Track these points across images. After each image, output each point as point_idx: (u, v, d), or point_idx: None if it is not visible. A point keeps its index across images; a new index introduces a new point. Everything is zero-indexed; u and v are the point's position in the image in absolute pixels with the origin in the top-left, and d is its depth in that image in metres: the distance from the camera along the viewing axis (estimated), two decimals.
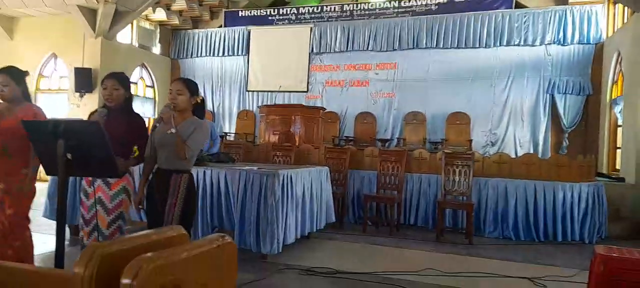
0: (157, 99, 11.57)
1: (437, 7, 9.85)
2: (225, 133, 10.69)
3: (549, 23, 9.01)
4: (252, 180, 4.25)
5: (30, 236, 3.04)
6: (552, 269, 4.26)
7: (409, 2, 10.10)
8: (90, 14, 9.35)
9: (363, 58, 10.22)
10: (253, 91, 11.23)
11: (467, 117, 9.32)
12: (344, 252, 4.83)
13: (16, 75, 2.98)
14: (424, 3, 9.98)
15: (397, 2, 10.22)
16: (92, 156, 2.17)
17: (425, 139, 9.34)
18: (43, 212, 5.05)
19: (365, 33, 10.13)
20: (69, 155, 2.08)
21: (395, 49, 9.92)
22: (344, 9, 10.66)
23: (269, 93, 10.98)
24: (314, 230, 5.03)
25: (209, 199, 4.43)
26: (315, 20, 10.73)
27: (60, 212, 2.14)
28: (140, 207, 2.88)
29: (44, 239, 3.83)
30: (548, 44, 9.06)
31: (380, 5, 10.45)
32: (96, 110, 2.76)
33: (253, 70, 11.23)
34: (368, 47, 10.11)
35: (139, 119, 2.86)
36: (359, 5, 10.66)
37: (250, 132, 10.59)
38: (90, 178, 2.71)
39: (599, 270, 2.28)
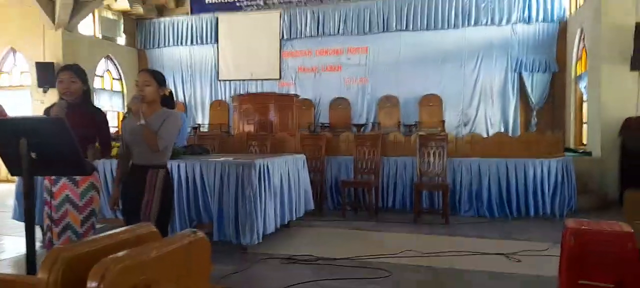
0: (125, 91, 11.23)
1: None
2: (198, 124, 10.50)
3: (515, 2, 9.17)
4: (229, 171, 4.19)
5: None
6: (526, 244, 4.39)
7: None
8: (48, 4, 8.94)
9: (334, 43, 10.18)
10: (225, 80, 11.05)
11: (439, 99, 9.45)
12: (324, 238, 4.84)
13: None
14: None
15: None
16: (58, 154, 2.07)
17: (399, 122, 9.43)
18: (12, 214, 4.88)
19: (335, 17, 10.07)
20: (33, 155, 1.98)
21: (366, 33, 9.92)
22: None
23: (242, 82, 10.83)
24: (294, 218, 5.01)
25: (185, 193, 4.35)
26: (284, 5, 10.58)
27: (28, 213, 2.04)
28: (115, 207, 2.80)
29: (14, 242, 3.68)
30: (514, 23, 9.24)
31: None
32: (54, 104, 2.62)
33: (223, 59, 11.02)
34: (339, 31, 10.07)
35: (99, 112, 2.76)
36: None
37: (224, 123, 10.44)
38: (52, 177, 2.60)
39: (570, 243, 2.37)
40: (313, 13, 10.21)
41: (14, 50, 9.85)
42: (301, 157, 5.41)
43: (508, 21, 9.25)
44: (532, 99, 9.22)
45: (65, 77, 2.66)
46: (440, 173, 5.76)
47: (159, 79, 2.74)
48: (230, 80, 10.99)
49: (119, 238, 0.71)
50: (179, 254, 0.71)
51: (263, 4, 10.78)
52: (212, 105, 10.98)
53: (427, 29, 9.59)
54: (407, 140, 6.32)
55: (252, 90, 10.47)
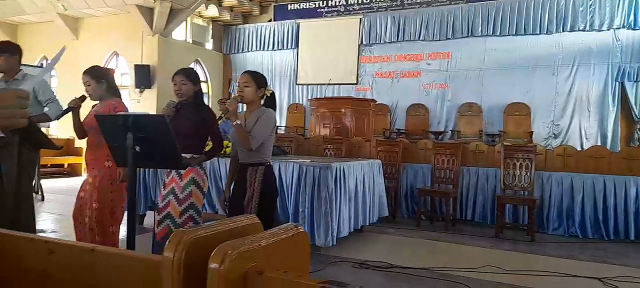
0: (210, 93, 11.91)
1: None
2: (276, 126, 10.82)
3: (618, 6, 8.35)
4: (306, 173, 4.25)
5: (114, 232, 3.16)
6: (623, 269, 3.96)
7: None
8: (147, 12, 9.75)
9: (414, 48, 9.97)
10: (303, 84, 11.28)
11: (526, 108, 8.86)
12: (397, 246, 4.74)
13: (95, 74, 3.15)
14: None
15: None
16: (158, 148, 2.24)
17: (481, 131, 8.98)
18: None
19: (416, 22, 9.86)
20: (137, 148, 2.16)
21: (449, 38, 9.58)
22: None
23: (319, 86, 10.99)
24: (367, 223, 4.97)
25: None
26: (364, 10, 10.58)
27: (131, 201, 2.23)
28: (225, 203, 2.94)
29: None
30: (617, 28, 8.40)
31: None
32: (168, 105, 2.85)
33: (302, 64, 11.27)
34: (419, 36, 9.85)
35: (208, 112, 2.92)
36: None
37: (300, 125, 10.66)
38: (167, 170, 2.81)
39: None
40: (394, 18, 10.09)
41: (116, 54, 10.89)
42: (377, 163, 5.36)
43: (610, 26, 8.43)
44: (636, 111, 8.32)
45: (178, 79, 2.88)
46: (527, 187, 5.39)
47: (259, 80, 2.83)
48: (307, 85, 11.21)
49: (228, 227, 0.77)
50: (284, 246, 0.75)
51: (343, 9, 10.88)
52: (289, 108, 11.27)
53: (516, 34, 9.04)
54: (490, 150, 6.00)
55: (329, 94, 10.58)
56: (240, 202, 2.74)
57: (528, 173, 5.39)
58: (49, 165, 9.58)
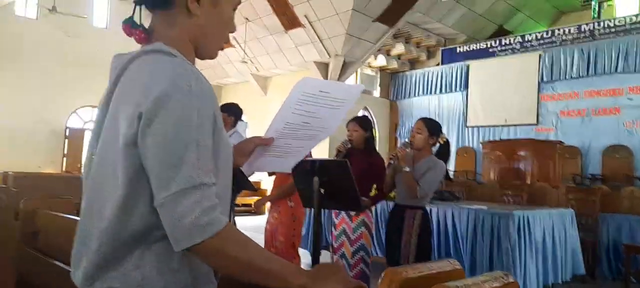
0: (377, 138, 12.25)
1: None
2: (446, 171, 10.47)
3: None
4: (483, 220, 3.97)
5: (297, 264, 3.48)
6: None
7: None
8: (323, 67, 10.71)
9: (610, 82, 8.64)
10: (473, 127, 10.76)
11: None
12: None
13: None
14: None
15: None
16: (340, 191, 2.40)
17: None
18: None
19: (611, 53, 8.58)
20: (322, 190, 2.34)
21: None
22: (582, 30, 9.31)
23: (492, 128, 10.33)
24: (559, 281, 4.33)
25: (436, 237, 4.32)
26: (544, 46, 9.69)
27: (315, 241, 2.40)
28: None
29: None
30: None
31: (631, 19, 8.74)
32: (343, 142, 3.05)
33: (472, 105, 10.79)
34: (616, 69, 8.51)
35: (378, 158, 3.03)
36: (601, 22, 9.17)
37: (470, 170, 10.11)
38: (335, 211, 2.99)
39: None
40: (582, 51, 8.97)
41: None
42: (569, 212, 4.69)
43: None
44: None
45: (351, 126, 3.11)
46: None
47: (432, 128, 2.84)
48: (478, 126, 10.63)
49: (434, 271, 0.77)
50: None
51: (520, 47, 10.16)
52: (458, 151, 10.82)
53: None
54: None
55: (504, 136, 9.83)
56: (397, 241, 2.71)
57: None
58: (240, 204, 10.99)
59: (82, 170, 0.95)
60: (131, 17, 0.92)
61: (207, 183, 0.79)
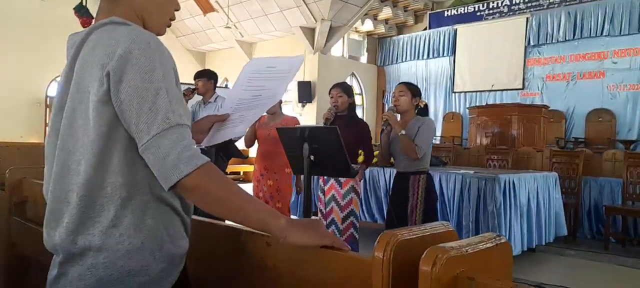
0: (364, 105, 12.24)
1: None
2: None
3: None
4: (469, 185, 4.03)
5: None
6: None
7: None
8: (309, 32, 10.53)
9: (595, 45, 8.69)
10: (460, 92, 10.79)
11: None
12: (579, 271, 4.15)
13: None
14: None
15: None
16: (330, 158, 2.39)
17: None
18: None
19: (597, 16, 8.59)
20: (312, 157, 2.33)
21: None
22: None
23: (478, 93, 10.37)
24: (542, 243, 4.46)
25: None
26: (532, 9, 9.65)
27: (306, 206, 2.41)
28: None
29: None
30: None
31: None
32: (329, 109, 3.04)
33: (459, 71, 10.80)
34: (602, 32, 8.55)
35: (362, 123, 3.04)
36: None
37: (457, 135, 10.20)
38: (324, 177, 3.00)
39: None
40: (569, 14, 8.96)
41: None
42: (552, 175, 4.80)
43: None
44: None
45: (334, 92, 3.12)
46: None
47: (413, 90, 2.86)
48: (465, 92, 10.67)
49: (429, 232, 0.78)
50: (488, 255, 0.72)
51: (507, 10, 10.09)
52: (445, 117, 10.89)
53: None
54: None
55: (490, 101, 9.89)
56: (402, 210, 2.74)
57: None
58: (229, 172, 11.00)
59: (45, 141, 1.02)
60: (80, 3, 0.98)
61: (183, 124, 0.85)
